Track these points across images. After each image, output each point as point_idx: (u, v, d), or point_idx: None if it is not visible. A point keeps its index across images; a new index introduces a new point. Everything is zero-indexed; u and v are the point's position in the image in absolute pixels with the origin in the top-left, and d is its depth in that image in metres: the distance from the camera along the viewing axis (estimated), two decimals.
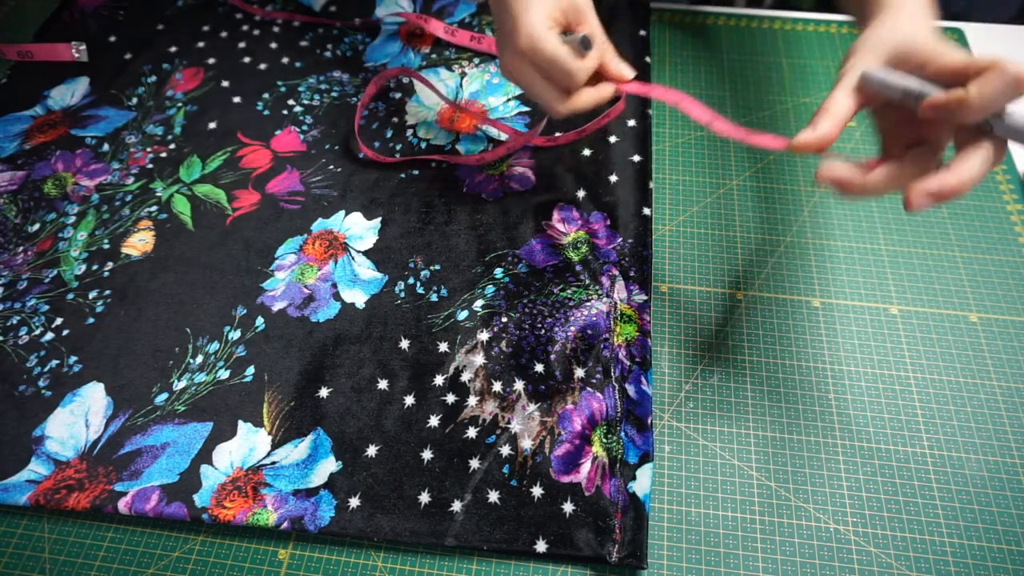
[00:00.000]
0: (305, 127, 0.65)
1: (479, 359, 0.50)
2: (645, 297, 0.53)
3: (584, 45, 0.46)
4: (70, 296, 0.55)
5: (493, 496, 0.45)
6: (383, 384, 0.50)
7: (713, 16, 0.74)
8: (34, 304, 0.54)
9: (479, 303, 0.53)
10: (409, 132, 0.64)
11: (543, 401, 0.48)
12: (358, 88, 0.68)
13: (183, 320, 0.53)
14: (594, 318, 0.52)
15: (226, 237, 0.58)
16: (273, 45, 0.72)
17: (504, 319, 0.52)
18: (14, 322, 0.54)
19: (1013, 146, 0.62)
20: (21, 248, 0.58)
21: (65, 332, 0.53)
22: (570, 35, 0.47)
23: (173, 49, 0.72)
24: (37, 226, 0.59)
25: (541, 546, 0.43)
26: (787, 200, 0.60)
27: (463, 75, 0.68)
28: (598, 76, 0.50)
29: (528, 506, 0.44)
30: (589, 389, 0.48)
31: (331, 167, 0.62)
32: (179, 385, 0.50)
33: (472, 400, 0.49)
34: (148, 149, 0.64)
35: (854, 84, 0.41)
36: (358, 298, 0.54)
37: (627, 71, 0.49)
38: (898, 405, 0.49)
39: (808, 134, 0.40)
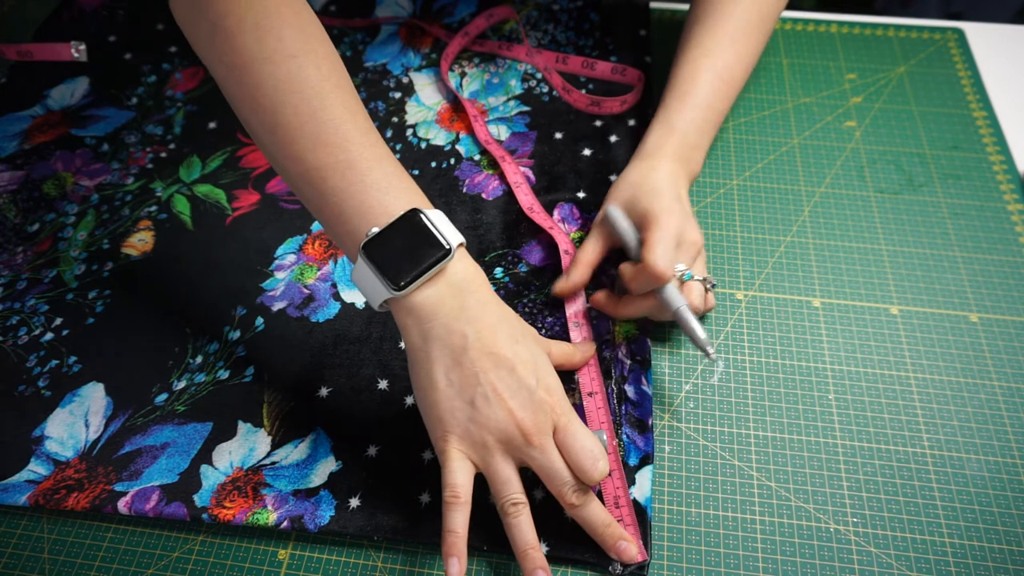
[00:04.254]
0: None
1: None
2: None
3: (605, 443, 0.43)
4: (70, 296, 0.55)
5: None
6: (383, 384, 0.50)
7: None
8: (34, 304, 0.54)
9: None
10: (409, 132, 0.64)
11: None
12: (358, 88, 0.68)
13: (183, 320, 0.53)
14: (594, 321, 0.51)
15: (226, 237, 0.58)
16: None
17: None
18: (14, 322, 0.54)
19: (1014, 146, 0.62)
20: (20, 248, 0.58)
21: (65, 332, 0.53)
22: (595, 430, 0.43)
23: (173, 49, 0.72)
24: (37, 226, 0.59)
25: (543, 547, 0.43)
26: (787, 200, 0.60)
27: (463, 75, 0.68)
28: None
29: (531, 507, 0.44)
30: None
31: None
32: (179, 385, 0.50)
33: None
34: (148, 149, 0.64)
35: (600, 230, 0.52)
36: (358, 298, 0.54)
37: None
38: (898, 405, 0.49)
39: (562, 283, 0.51)
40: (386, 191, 0.41)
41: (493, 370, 0.40)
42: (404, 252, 0.40)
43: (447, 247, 0.40)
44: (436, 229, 0.40)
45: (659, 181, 0.50)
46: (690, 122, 0.53)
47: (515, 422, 0.39)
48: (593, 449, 0.40)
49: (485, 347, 0.40)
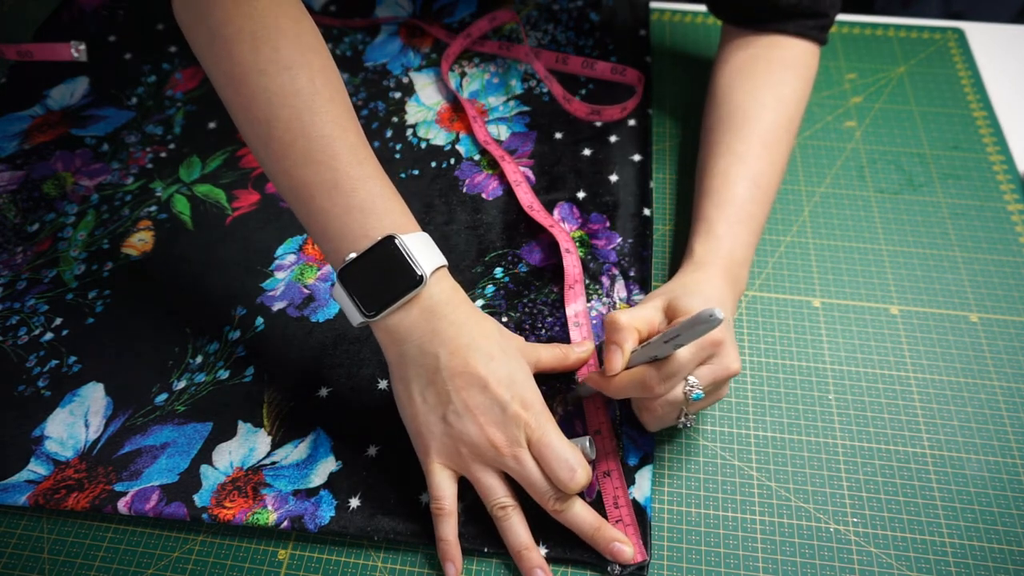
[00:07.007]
0: None
1: None
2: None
3: (590, 451, 0.42)
4: (70, 296, 0.55)
5: None
6: (383, 384, 0.50)
7: (713, 16, 0.74)
8: (34, 304, 0.54)
9: (479, 303, 0.53)
10: (409, 132, 0.64)
11: None
12: (358, 88, 0.68)
13: (183, 320, 0.53)
14: (594, 321, 0.51)
15: (226, 237, 0.58)
16: None
17: (504, 319, 0.52)
18: (14, 322, 0.54)
19: (1014, 146, 0.62)
20: (20, 248, 0.58)
21: (65, 332, 0.53)
22: (578, 437, 0.43)
23: (173, 49, 0.72)
24: (37, 226, 0.59)
25: (542, 549, 0.43)
26: (787, 200, 0.60)
27: (463, 75, 0.68)
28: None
29: (529, 508, 0.44)
30: None
31: None
32: (179, 385, 0.50)
33: None
34: (148, 149, 0.64)
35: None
36: None
37: (628, 552, 0.42)
38: (898, 405, 0.49)
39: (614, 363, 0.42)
40: (368, 213, 0.42)
41: (465, 388, 0.41)
42: (376, 281, 0.41)
43: (418, 276, 0.41)
44: (410, 257, 0.41)
45: (713, 291, 0.45)
46: (735, 236, 0.49)
47: (486, 436, 0.41)
48: (569, 459, 0.40)
49: (457, 367, 0.41)
